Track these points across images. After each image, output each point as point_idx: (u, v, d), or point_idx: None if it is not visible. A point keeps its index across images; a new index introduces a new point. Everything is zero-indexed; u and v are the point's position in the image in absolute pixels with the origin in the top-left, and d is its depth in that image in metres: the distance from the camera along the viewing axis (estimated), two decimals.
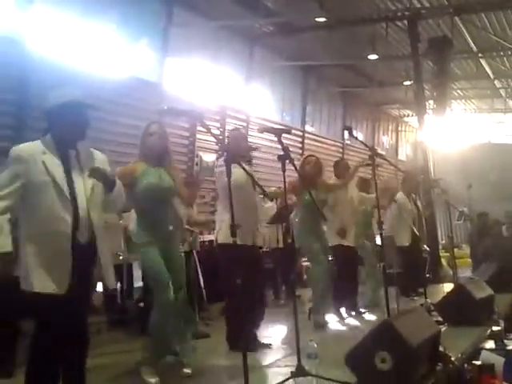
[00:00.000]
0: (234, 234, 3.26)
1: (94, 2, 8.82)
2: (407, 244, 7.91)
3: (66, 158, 3.15)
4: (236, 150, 4.54)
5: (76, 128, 3.18)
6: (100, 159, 3.29)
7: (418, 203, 8.09)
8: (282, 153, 3.68)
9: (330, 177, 6.82)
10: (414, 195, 8.24)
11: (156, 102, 9.61)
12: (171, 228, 4.15)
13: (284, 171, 3.72)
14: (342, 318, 6.43)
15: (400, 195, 8.10)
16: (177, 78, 10.89)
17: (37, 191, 3.06)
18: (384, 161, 5.38)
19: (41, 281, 3.00)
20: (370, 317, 6.67)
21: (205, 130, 3.61)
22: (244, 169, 3.77)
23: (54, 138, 3.16)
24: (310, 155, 6.49)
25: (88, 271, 3.19)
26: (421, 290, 7.72)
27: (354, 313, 6.68)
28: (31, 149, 3.12)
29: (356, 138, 6.92)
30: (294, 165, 3.94)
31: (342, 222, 6.47)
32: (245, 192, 4.65)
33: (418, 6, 10.97)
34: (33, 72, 7.75)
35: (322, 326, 5.81)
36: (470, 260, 10.65)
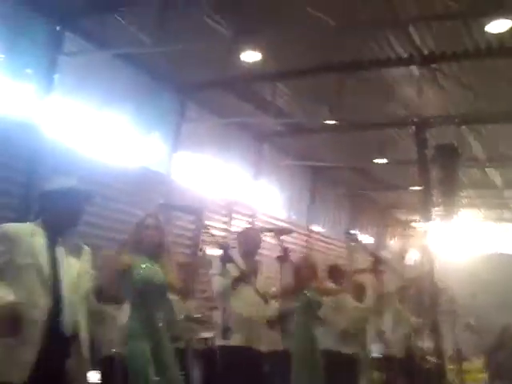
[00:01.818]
0: (226, 337, 3.12)
1: (110, 93, 9.10)
2: (403, 355, 7.38)
3: (54, 244, 3.07)
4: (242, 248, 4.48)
5: (67, 214, 3.14)
6: (86, 252, 3.24)
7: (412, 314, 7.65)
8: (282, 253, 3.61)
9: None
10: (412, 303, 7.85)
11: (163, 193, 9.68)
12: (161, 325, 3.97)
13: (281, 272, 3.63)
14: None
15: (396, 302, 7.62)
16: (185, 172, 11.00)
17: (17, 273, 2.92)
18: (388, 267, 5.23)
19: (2, 368, 2.82)
20: None
21: (211, 225, 3.54)
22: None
23: (44, 221, 3.11)
24: (305, 256, 6.34)
25: (63, 362, 2.96)
26: None
27: None
28: (20, 229, 3.05)
29: (360, 244, 6.77)
30: (291, 266, 3.84)
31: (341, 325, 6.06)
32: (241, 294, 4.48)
33: (427, 114, 11.20)
34: (44, 156, 7.82)
35: None
36: (480, 375, 10.11)
